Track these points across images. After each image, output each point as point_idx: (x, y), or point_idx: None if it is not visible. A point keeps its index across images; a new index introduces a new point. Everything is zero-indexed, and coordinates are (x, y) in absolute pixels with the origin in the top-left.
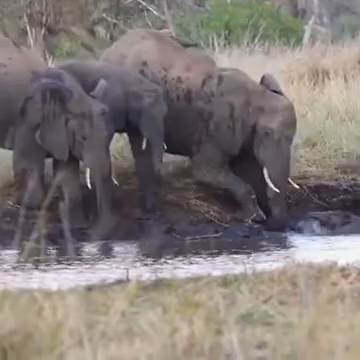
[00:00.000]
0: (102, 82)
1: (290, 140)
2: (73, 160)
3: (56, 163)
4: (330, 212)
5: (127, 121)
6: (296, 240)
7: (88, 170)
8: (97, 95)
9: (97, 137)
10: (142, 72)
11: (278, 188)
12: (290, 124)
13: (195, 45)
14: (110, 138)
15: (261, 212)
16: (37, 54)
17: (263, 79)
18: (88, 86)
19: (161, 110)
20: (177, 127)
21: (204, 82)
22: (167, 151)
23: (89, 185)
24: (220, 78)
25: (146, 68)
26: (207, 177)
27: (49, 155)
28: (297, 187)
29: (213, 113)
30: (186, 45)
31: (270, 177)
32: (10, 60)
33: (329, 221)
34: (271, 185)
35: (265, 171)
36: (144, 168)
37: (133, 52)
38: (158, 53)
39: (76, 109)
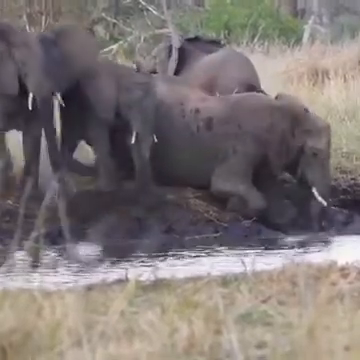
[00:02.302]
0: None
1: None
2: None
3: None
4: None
5: (117, 114)
6: (297, 239)
7: (30, 95)
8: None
9: (33, 61)
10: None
11: (326, 202)
12: (330, 143)
13: (219, 42)
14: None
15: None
16: None
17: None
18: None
19: (151, 103)
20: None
21: None
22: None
23: (30, 106)
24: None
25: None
26: (227, 186)
27: None
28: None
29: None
30: (212, 42)
31: (321, 195)
32: None
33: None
34: (325, 203)
35: (315, 190)
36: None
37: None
38: None
39: (17, 40)
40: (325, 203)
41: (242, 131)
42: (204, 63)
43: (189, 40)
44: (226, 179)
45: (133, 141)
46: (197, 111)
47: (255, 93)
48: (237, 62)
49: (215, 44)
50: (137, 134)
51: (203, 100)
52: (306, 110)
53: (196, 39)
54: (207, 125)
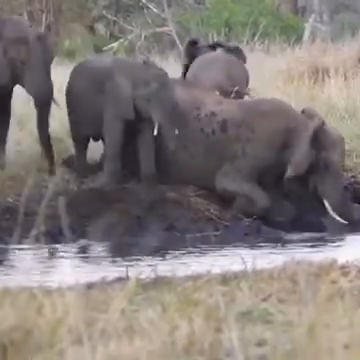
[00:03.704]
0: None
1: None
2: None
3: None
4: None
5: (136, 110)
6: (296, 238)
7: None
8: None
9: (35, 61)
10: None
11: (342, 217)
12: (344, 155)
13: (238, 48)
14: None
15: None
16: None
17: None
18: (100, 79)
19: (169, 94)
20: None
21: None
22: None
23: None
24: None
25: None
26: (233, 185)
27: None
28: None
29: None
30: (232, 49)
31: (333, 207)
32: None
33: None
34: (335, 216)
35: (326, 203)
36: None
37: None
38: None
39: (12, 35)
40: (337, 216)
41: (254, 135)
42: (194, 64)
43: (210, 47)
44: (232, 179)
45: (155, 133)
46: (212, 114)
47: (272, 98)
48: (218, 65)
49: (235, 51)
50: (159, 126)
51: (219, 103)
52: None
53: (218, 45)
54: (222, 127)
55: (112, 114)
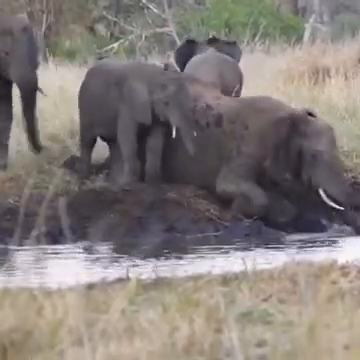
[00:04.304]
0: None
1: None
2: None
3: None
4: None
5: (153, 113)
6: (296, 238)
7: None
8: None
9: (19, 52)
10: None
11: (341, 205)
12: (335, 144)
13: (235, 43)
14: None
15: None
16: None
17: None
18: (113, 82)
19: (187, 97)
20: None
21: None
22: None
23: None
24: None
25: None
26: (231, 187)
27: None
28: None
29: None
30: (229, 43)
31: (329, 197)
32: None
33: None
34: (332, 204)
35: (321, 192)
36: (152, 164)
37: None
38: None
39: None
40: (332, 204)
41: (248, 132)
42: (187, 65)
43: (208, 42)
44: (231, 181)
45: (174, 135)
46: (208, 107)
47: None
48: (209, 65)
49: (231, 45)
50: (177, 129)
51: (216, 98)
52: (311, 113)
53: (214, 40)
54: (216, 121)
55: (128, 117)
